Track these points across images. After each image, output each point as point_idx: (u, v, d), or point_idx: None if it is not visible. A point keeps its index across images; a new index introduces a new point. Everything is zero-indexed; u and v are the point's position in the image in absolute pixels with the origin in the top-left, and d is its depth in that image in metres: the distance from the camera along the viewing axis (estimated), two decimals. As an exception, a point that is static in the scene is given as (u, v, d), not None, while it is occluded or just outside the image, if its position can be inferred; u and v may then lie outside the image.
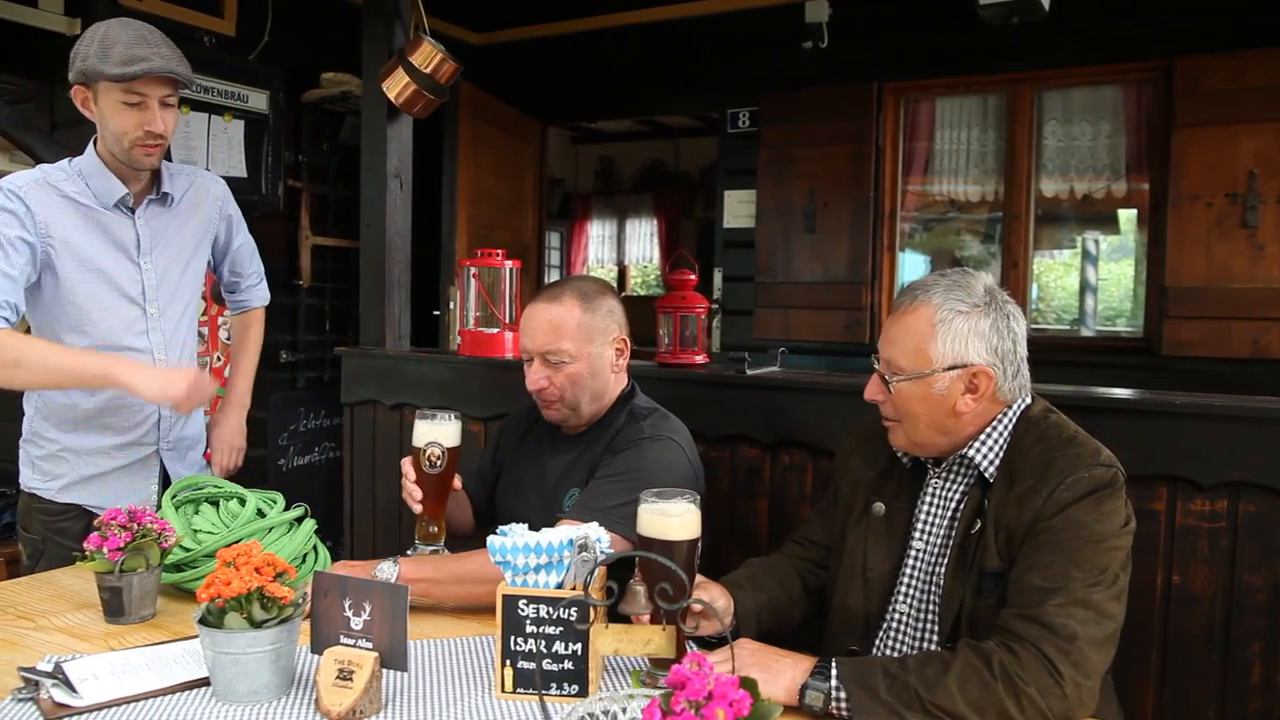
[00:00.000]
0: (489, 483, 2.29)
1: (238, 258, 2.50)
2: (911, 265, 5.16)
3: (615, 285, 10.44)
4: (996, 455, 1.62)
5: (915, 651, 1.66)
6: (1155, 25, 4.32)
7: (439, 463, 1.92)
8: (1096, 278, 5.57)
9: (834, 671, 1.43)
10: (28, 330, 2.19)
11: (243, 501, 1.96)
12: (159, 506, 2.10)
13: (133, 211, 2.18)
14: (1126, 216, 5.12)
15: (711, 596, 1.64)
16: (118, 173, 2.14)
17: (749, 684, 1.01)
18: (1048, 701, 1.38)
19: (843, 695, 1.41)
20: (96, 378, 2.02)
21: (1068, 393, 2.09)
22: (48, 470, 2.22)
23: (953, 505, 1.67)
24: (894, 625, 1.70)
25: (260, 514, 1.94)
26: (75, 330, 2.14)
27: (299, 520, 1.97)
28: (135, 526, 1.73)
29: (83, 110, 2.08)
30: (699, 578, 1.56)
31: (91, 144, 2.16)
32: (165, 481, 2.29)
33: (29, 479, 2.25)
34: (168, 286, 2.24)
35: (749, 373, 2.51)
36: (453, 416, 1.95)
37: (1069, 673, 1.39)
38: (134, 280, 2.18)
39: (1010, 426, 1.63)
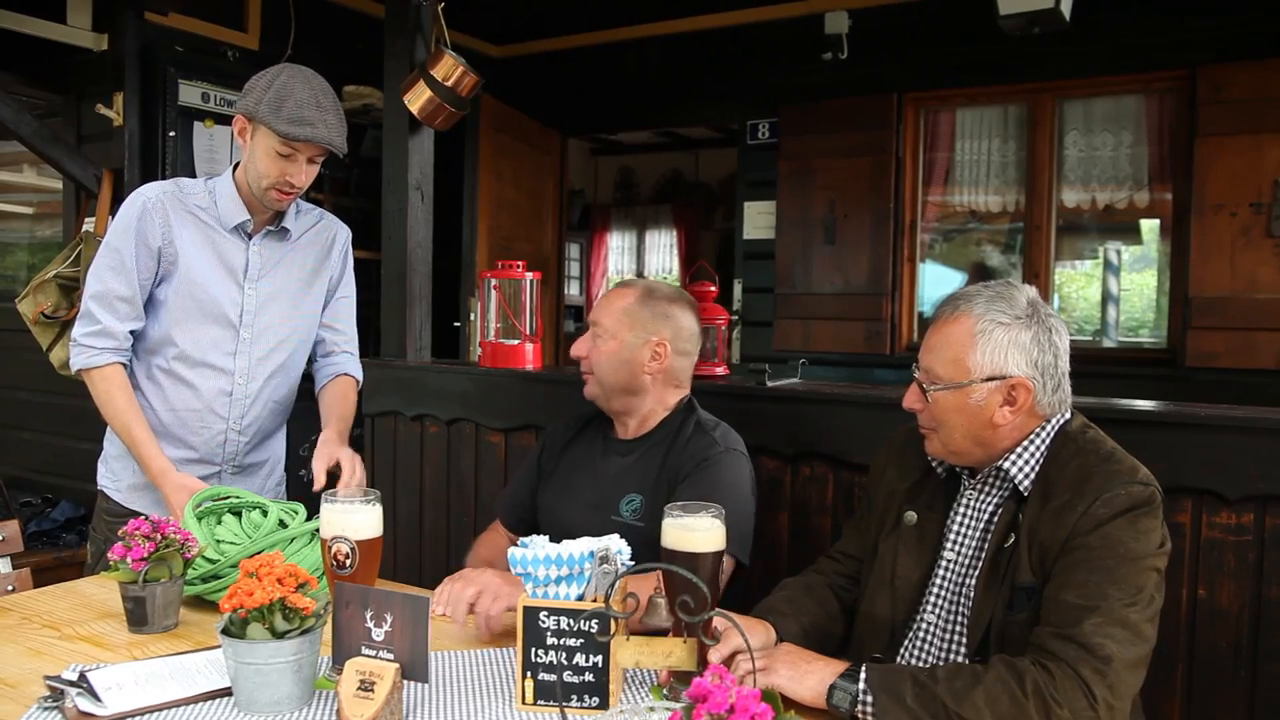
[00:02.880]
0: (531, 493, 2.25)
1: (338, 309, 2.45)
2: (932, 276, 5.14)
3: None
4: (1032, 469, 1.60)
5: (942, 662, 1.64)
6: (1177, 34, 4.30)
7: (349, 563, 1.56)
8: (1119, 288, 5.52)
9: (863, 676, 1.42)
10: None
11: (265, 512, 1.97)
12: None
13: (249, 238, 2.25)
14: (1149, 226, 5.09)
15: (752, 634, 1.61)
16: (247, 202, 2.22)
17: (770, 697, 1.00)
18: None
19: (869, 700, 1.40)
20: (145, 467, 2.17)
21: (1091, 404, 2.07)
22: (116, 469, 2.30)
23: (986, 517, 1.65)
24: (920, 635, 1.69)
25: (282, 525, 1.95)
26: (164, 339, 2.22)
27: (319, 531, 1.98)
28: (159, 537, 1.74)
29: (237, 137, 2.17)
30: (744, 619, 1.55)
31: (231, 169, 2.24)
32: None
33: (101, 476, 2.33)
34: (267, 316, 2.28)
35: (770, 384, 2.51)
36: (371, 501, 1.59)
37: (1103, 695, 1.38)
38: (234, 302, 2.24)
39: (1048, 441, 1.62)
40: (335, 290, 2.45)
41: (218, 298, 2.22)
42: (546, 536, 1.54)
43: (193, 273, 2.19)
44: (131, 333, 2.20)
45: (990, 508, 1.65)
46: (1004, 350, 1.58)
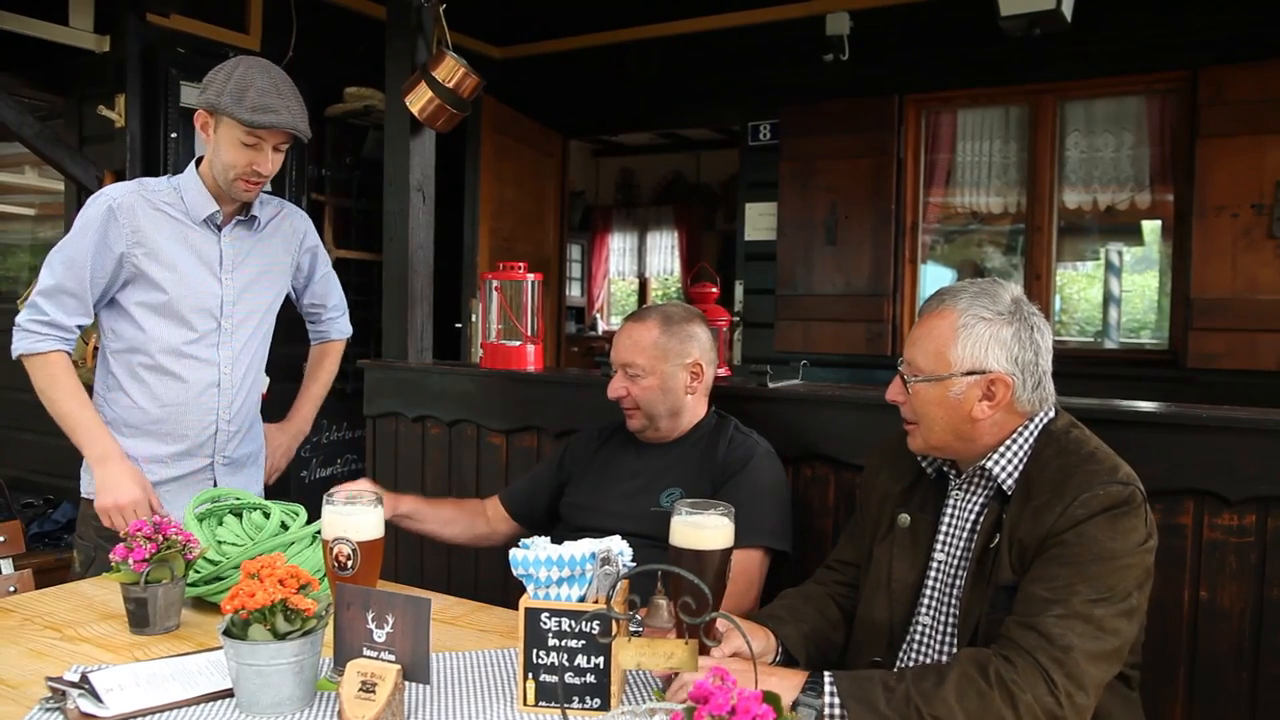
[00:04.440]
0: (550, 491, 2.37)
1: (318, 289, 2.57)
2: (934, 277, 5.14)
3: (636, 298, 10.47)
4: (1015, 468, 1.61)
5: (935, 664, 1.65)
6: (1178, 35, 4.30)
7: (350, 565, 1.56)
8: (1120, 289, 5.53)
9: (828, 687, 1.42)
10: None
11: (266, 514, 1.97)
12: None
13: (219, 229, 2.28)
14: (1150, 228, 5.09)
15: (753, 638, 1.63)
16: (215, 193, 2.24)
17: (772, 698, 1.00)
18: (1044, 707, 1.38)
19: (837, 712, 1.40)
20: (88, 449, 2.17)
21: (1092, 406, 2.07)
22: None
23: (971, 518, 1.66)
24: (917, 637, 1.69)
25: (284, 527, 1.95)
26: (147, 338, 2.22)
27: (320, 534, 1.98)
28: (160, 538, 1.74)
29: (200, 132, 2.19)
30: (745, 624, 1.55)
31: (194, 163, 2.26)
32: None
33: (88, 484, 2.30)
34: (244, 304, 2.32)
35: (771, 386, 2.51)
36: (371, 502, 1.61)
37: (1063, 683, 1.40)
38: (214, 295, 2.27)
39: (1031, 440, 1.63)
40: (312, 273, 2.53)
41: (198, 291, 2.24)
42: (548, 538, 1.54)
43: (170, 268, 2.20)
44: (79, 327, 2.20)
45: (975, 508, 1.66)
46: (984, 345, 1.59)
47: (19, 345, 2.16)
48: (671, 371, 2.18)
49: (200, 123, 2.17)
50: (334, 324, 2.66)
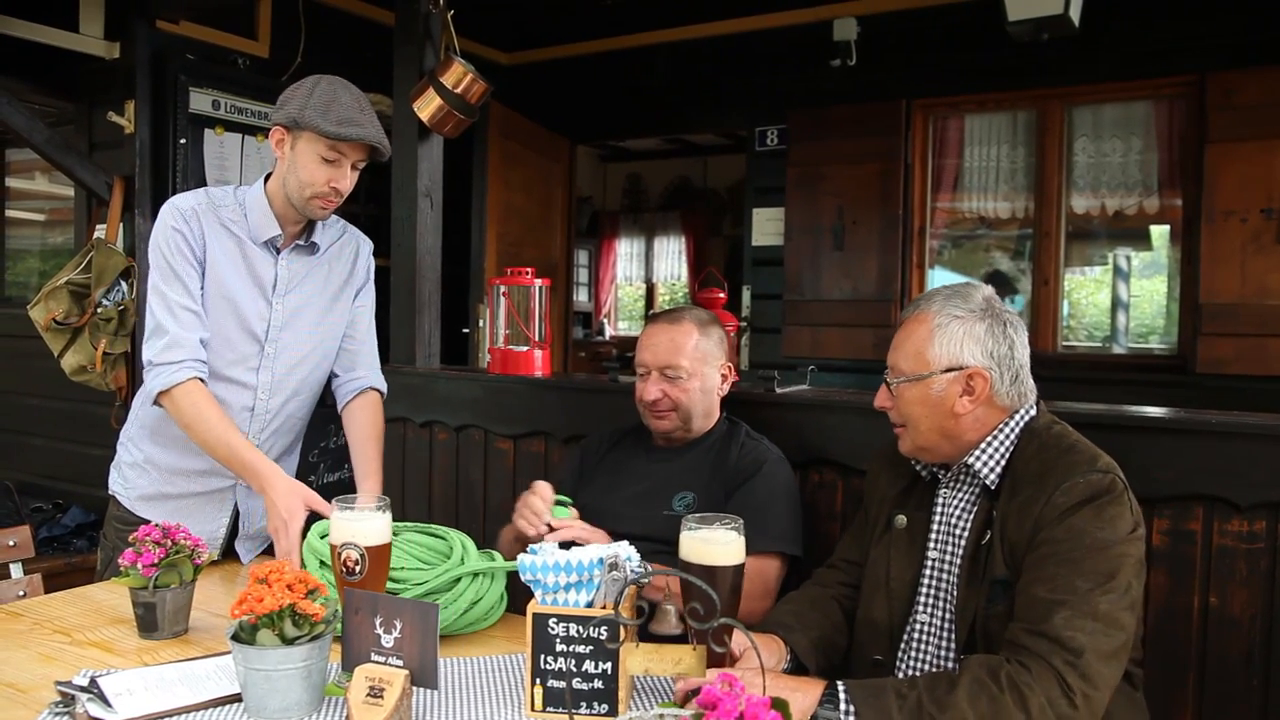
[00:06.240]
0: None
1: (356, 319, 2.38)
2: (941, 282, 5.12)
3: (643, 303, 10.47)
4: (998, 464, 1.65)
5: (937, 662, 1.68)
6: (1187, 40, 4.29)
7: (358, 570, 1.57)
8: (1129, 294, 5.51)
9: (842, 697, 1.43)
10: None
11: (434, 536, 1.90)
12: (225, 545, 2.25)
13: (278, 252, 2.20)
14: (1159, 232, 5.07)
15: (765, 648, 1.62)
16: (280, 214, 2.16)
17: (780, 705, 1.00)
18: (1057, 711, 1.40)
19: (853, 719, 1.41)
20: (252, 474, 2.04)
21: (1100, 411, 2.06)
22: (130, 478, 2.26)
23: (958, 514, 1.70)
24: (916, 635, 1.72)
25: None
26: None
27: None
28: (169, 543, 1.74)
29: (274, 148, 2.12)
30: (757, 637, 1.55)
31: (263, 180, 2.18)
32: (235, 521, 2.28)
33: (114, 482, 2.30)
34: (292, 330, 2.23)
35: (778, 391, 2.51)
36: (380, 508, 1.62)
37: (1078, 685, 1.41)
38: (261, 317, 2.18)
39: (1014, 435, 1.67)
40: (358, 304, 2.39)
41: (247, 312, 2.16)
42: (556, 543, 1.54)
43: (224, 286, 2.14)
44: (202, 341, 2.10)
45: (963, 505, 1.70)
46: (959, 342, 1.66)
47: (154, 384, 2.06)
48: (710, 374, 2.21)
49: (275, 139, 2.10)
50: (374, 371, 2.39)
